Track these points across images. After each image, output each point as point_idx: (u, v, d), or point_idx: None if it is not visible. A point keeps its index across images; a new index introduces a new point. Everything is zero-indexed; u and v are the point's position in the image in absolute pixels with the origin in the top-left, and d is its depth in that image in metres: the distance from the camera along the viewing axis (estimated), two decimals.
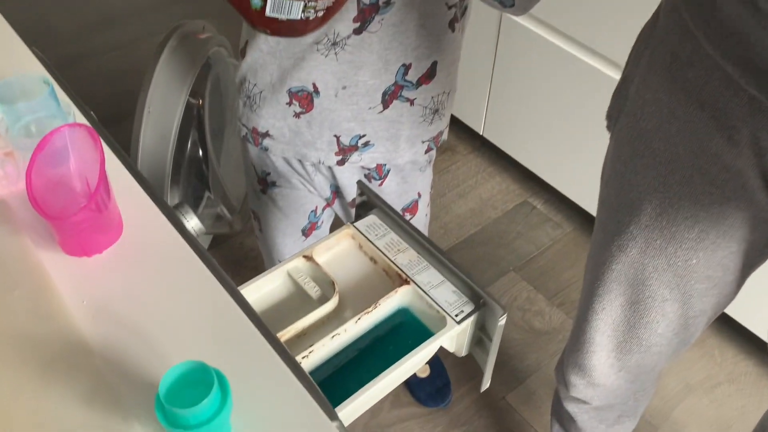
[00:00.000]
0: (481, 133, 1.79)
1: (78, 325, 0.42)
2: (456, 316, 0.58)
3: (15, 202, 0.50)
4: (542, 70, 1.52)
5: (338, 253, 0.64)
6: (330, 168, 0.90)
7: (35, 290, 0.44)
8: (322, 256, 0.63)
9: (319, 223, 1.04)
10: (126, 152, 0.74)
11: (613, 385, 0.87)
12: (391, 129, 0.86)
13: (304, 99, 0.82)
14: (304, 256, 0.62)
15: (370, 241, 0.64)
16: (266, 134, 0.86)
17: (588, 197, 1.60)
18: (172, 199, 0.98)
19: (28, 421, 0.36)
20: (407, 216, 1.01)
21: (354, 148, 0.87)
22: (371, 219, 0.66)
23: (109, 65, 2.14)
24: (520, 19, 1.49)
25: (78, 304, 0.43)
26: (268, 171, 0.93)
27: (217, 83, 1.16)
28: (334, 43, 0.77)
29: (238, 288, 0.58)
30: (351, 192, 0.93)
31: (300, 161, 0.90)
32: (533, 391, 1.39)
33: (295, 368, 0.49)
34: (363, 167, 0.90)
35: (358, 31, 0.75)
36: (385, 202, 0.66)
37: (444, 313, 0.58)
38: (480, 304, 0.59)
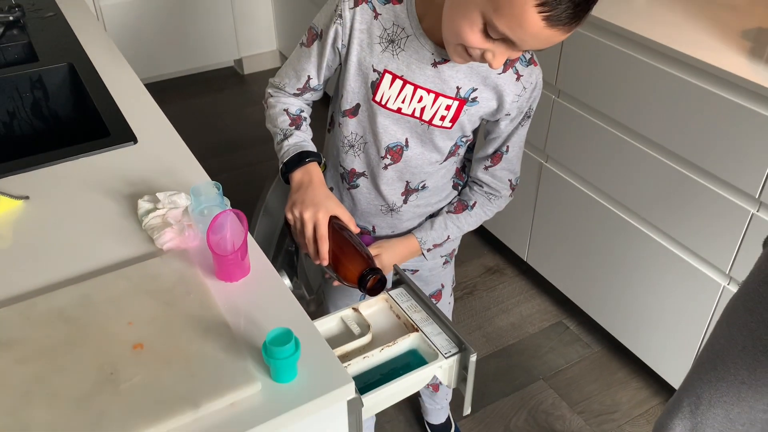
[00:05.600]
0: (525, 260, 2.11)
1: (222, 313, 0.77)
2: (445, 354, 0.89)
3: (192, 252, 0.87)
4: (575, 214, 1.85)
5: (376, 309, 0.97)
6: None
7: (201, 294, 0.79)
8: (365, 310, 0.97)
9: None
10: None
11: None
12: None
13: None
14: (353, 308, 0.96)
15: (398, 304, 0.97)
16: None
17: (616, 324, 1.85)
18: None
19: (190, 354, 0.69)
20: (434, 300, 1.33)
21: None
22: (400, 290, 0.99)
23: (224, 183, 2.63)
24: (557, 170, 1.85)
25: (223, 304, 0.79)
26: None
27: None
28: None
29: (314, 321, 0.92)
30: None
31: None
32: None
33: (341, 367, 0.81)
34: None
35: None
36: (411, 281, 0.99)
37: (438, 351, 0.90)
38: (462, 348, 0.90)
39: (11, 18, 1.53)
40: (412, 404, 1.78)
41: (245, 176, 2.66)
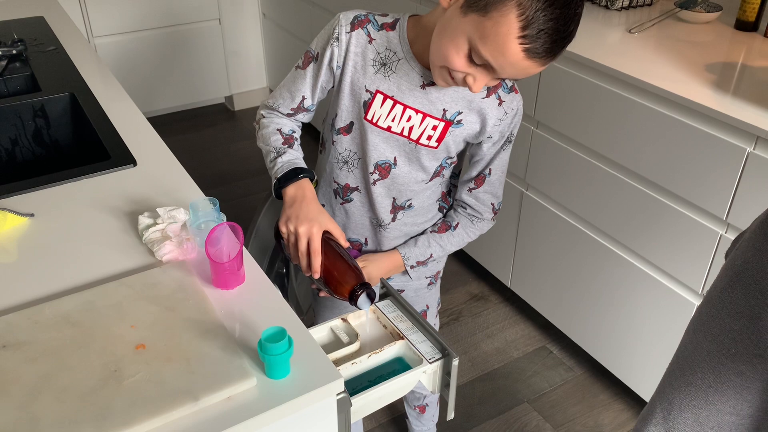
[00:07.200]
0: (508, 286, 2.16)
1: (219, 317, 0.82)
2: (429, 359, 0.94)
3: (191, 263, 0.92)
4: (556, 241, 1.91)
5: (364, 319, 1.02)
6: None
7: (199, 300, 0.84)
8: (354, 321, 1.02)
9: None
10: None
11: None
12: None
13: None
14: (342, 318, 1.01)
15: (385, 314, 1.02)
16: None
17: (598, 348, 1.90)
18: None
19: (189, 352, 0.74)
20: None
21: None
22: (387, 302, 1.04)
23: None
24: (538, 198, 1.92)
25: (219, 309, 0.84)
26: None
27: None
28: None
29: (308, 328, 0.97)
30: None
31: None
32: None
33: (331, 365, 0.86)
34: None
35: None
36: (397, 293, 1.04)
37: (422, 357, 0.94)
38: (445, 353, 0.95)
39: (14, 51, 1.60)
40: (400, 427, 1.81)
41: (235, 208, 2.71)
